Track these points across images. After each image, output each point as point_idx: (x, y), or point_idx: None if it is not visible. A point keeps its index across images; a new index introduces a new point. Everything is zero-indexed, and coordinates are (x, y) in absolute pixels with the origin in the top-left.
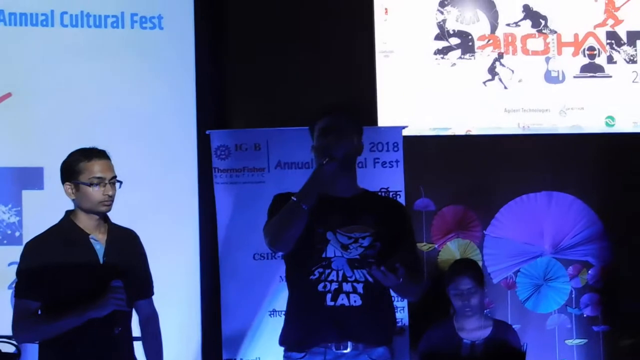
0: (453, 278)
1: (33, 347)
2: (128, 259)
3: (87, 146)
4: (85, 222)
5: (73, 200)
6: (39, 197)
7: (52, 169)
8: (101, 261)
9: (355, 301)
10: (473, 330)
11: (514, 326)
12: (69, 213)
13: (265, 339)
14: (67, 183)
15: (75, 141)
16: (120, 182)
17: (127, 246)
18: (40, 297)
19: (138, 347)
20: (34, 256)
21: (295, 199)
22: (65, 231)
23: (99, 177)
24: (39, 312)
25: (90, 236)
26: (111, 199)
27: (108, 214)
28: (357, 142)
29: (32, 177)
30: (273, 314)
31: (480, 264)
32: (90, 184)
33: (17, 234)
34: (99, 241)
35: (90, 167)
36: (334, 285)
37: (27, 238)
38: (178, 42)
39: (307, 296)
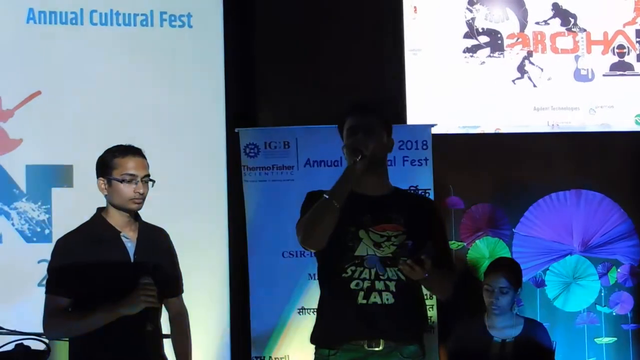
0: (489, 273)
1: (63, 344)
2: (158, 257)
3: (117, 144)
4: (116, 219)
5: (105, 196)
6: (68, 195)
7: (82, 167)
8: (132, 259)
9: (387, 299)
10: (504, 329)
11: (543, 324)
12: (100, 210)
13: (294, 337)
14: (101, 178)
15: (104, 139)
16: (153, 182)
17: (157, 244)
18: (70, 294)
19: (167, 345)
20: (65, 253)
21: (327, 197)
22: (96, 228)
23: (131, 174)
24: (69, 309)
25: (121, 234)
26: (142, 197)
27: (139, 212)
28: (387, 139)
29: (61, 175)
30: (302, 312)
31: None
32: (122, 180)
33: (46, 231)
34: (129, 239)
35: (124, 163)
36: (367, 284)
37: (56, 236)
38: (207, 40)
39: (340, 294)
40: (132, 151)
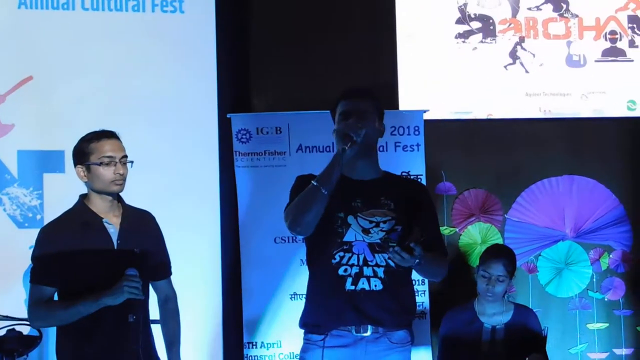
0: (487, 260)
1: (55, 330)
2: (143, 241)
3: (106, 129)
4: (98, 205)
5: (86, 183)
6: (60, 181)
7: None
8: (115, 245)
9: (375, 285)
10: (494, 315)
11: (535, 310)
12: (82, 197)
13: (286, 322)
14: (79, 166)
15: (96, 124)
16: (132, 162)
17: (142, 228)
18: (55, 283)
19: (157, 330)
20: (48, 242)
21: (315, 183)
22: (78, 215)
23: (109, 156)
24: (55, 297)
25: (103, 220)
26: (122, 177)
27: (122, 195)
28: (379, 125)
29: (53, 161)
30: (294, 297)
31: None
32: (101, 163)
33: (38, 217)
34: (113, 224)
35: (100, 147)
36: (355, 270)
37: (48, 221)
38: (199, 26)
39: (328, 279)
40: (107, 134)
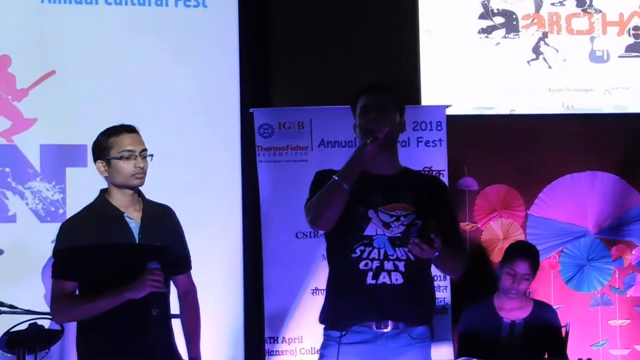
0: (513, 257)
1: (75, 324)
2: (164, 235)
3: (124, 123)
4: (119, 199)
5: (106, 177)
6: (82, 175)
7: None
8: (137, 239)
9: (397, 279)
10: (513, 310)
11: (556, 306)
12: (103, 192)
13: (308, 318)
14: (99, 161)
15: (118, 118)
16: (151, 155)
17: (162, 222)
18: (76, 278)
19: (177, 325)
20: (69, 236)
21: (336, 178)
22: (100, 210)
23: (129, 150)
24: (77, 292)
25: (125, 214)
26: (143, 171)
27: (145, 191)
28: (400, 120)
29: (75, 155)
30: (315, 293)
31: None
32: (121, 157)
33: (60, 211)
34: (134, 219)
35: (119, 141)
36: (376, 264)
37: (70, 215)
38: (222, 20)
39: (348, 274)
40: (126, 129)
